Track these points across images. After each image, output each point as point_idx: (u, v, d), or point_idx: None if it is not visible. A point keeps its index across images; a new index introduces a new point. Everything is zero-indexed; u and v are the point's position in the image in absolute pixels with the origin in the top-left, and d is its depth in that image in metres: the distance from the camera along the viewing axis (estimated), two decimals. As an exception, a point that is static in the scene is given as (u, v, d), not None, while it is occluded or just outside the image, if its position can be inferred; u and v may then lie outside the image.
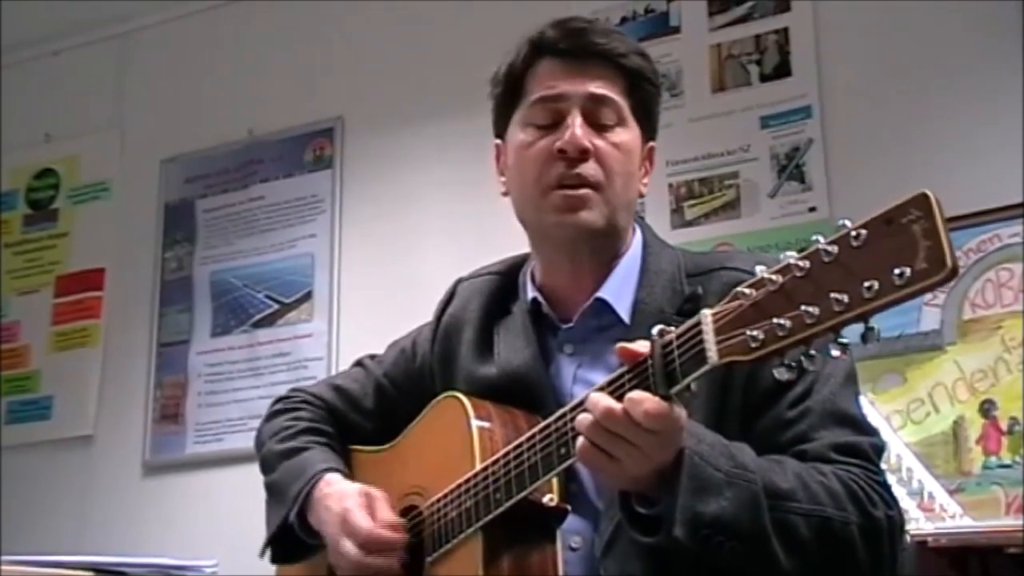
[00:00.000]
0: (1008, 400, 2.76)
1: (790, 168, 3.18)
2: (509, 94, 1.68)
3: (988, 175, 2.91)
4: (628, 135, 1.63)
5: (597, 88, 1.61)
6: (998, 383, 2.79)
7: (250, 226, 3.91)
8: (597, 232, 1.60)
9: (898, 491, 2.58)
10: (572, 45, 1.62)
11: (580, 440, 1.32)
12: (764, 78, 3.28)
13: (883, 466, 1.49)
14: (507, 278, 1.76)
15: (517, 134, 1.65)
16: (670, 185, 3.31)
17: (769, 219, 3.17)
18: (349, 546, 1.60)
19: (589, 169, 1.58)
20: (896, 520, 1.43)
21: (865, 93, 3.14)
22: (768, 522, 1.32)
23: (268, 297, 3.81)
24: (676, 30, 3.45)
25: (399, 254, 3.65)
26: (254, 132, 3.97)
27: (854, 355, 1.33)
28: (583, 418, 1.32)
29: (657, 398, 1.26)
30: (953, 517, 2.72)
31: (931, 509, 2.75)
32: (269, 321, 3.79)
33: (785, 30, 3.28)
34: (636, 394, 1.27)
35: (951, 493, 2.75)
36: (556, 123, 1.61)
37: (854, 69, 3.18)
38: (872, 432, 1.50)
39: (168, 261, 4.00)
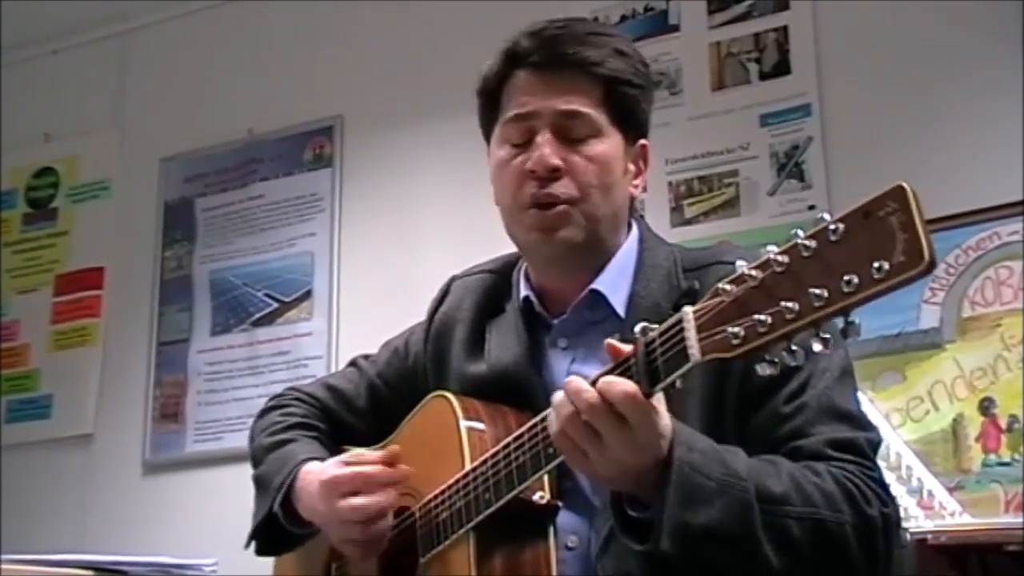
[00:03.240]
0: (1007, 398, 2.76)
1: (789, 166, 3.17)
2: (488, 107, 1.67)
3: (987, 172, 2.90)
4: (604, 145, 1.60)
5: (566, 104, 1.58)
6: (997, 381, 2.78)
7: (250, 225, 3.90)
8: (579, 247, 1.59)
9: (897, 489, 2.58)
10: (544, 56, 1.60)
11: (553, 427, 1.31)
12: (763, 76, 3.27)
13: (880, 462, 1.48)
14: (501, 276, 1.75)
15: (496, 150, 1.65)
16: (669, 183, 3.30)
17: (768, 217, 3.16)
18: (341, 504, 1.58)
19: (560, 188, 1.57)
20: (891, 516, 1.41)
21: (864, 91, 3.13)
22: (759, 528, 1.30)
23: (268, 296, 3.81)
24: (675, 28, 3.44)
25: (399, 252, 3.64)
26: (254, 131, 3.96)
27: (854, 352, 1.31)
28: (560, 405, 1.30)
29: (631, 382, 1.25)
30: (952, 515, 2.71)
31: (930, 507, 2.74)
32: (269, 320, 3.79)
33: (784, 28, 3.27)
34: (610, 376, 1.27)
35: (950, 491, 2.75)
36: (529, 140, 1.60)
37: (853, 67, 3.16)
38: (868, 427, 1.49)
39: (168, 260, 4.00)
